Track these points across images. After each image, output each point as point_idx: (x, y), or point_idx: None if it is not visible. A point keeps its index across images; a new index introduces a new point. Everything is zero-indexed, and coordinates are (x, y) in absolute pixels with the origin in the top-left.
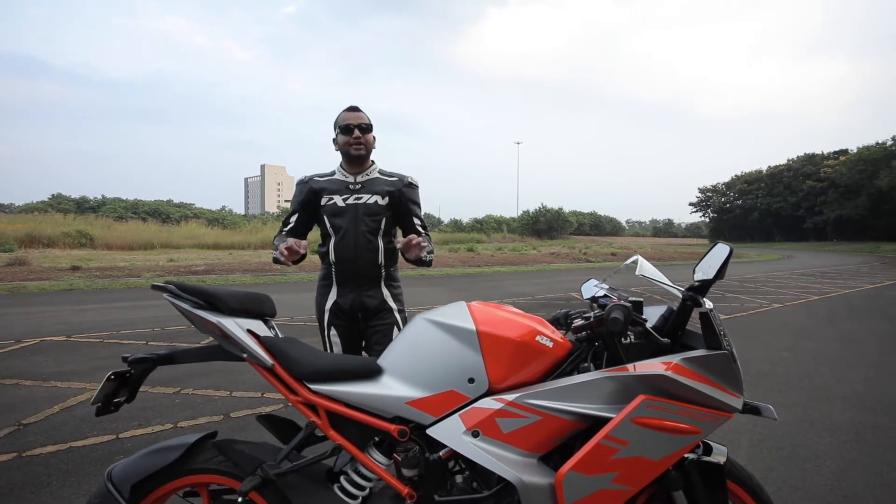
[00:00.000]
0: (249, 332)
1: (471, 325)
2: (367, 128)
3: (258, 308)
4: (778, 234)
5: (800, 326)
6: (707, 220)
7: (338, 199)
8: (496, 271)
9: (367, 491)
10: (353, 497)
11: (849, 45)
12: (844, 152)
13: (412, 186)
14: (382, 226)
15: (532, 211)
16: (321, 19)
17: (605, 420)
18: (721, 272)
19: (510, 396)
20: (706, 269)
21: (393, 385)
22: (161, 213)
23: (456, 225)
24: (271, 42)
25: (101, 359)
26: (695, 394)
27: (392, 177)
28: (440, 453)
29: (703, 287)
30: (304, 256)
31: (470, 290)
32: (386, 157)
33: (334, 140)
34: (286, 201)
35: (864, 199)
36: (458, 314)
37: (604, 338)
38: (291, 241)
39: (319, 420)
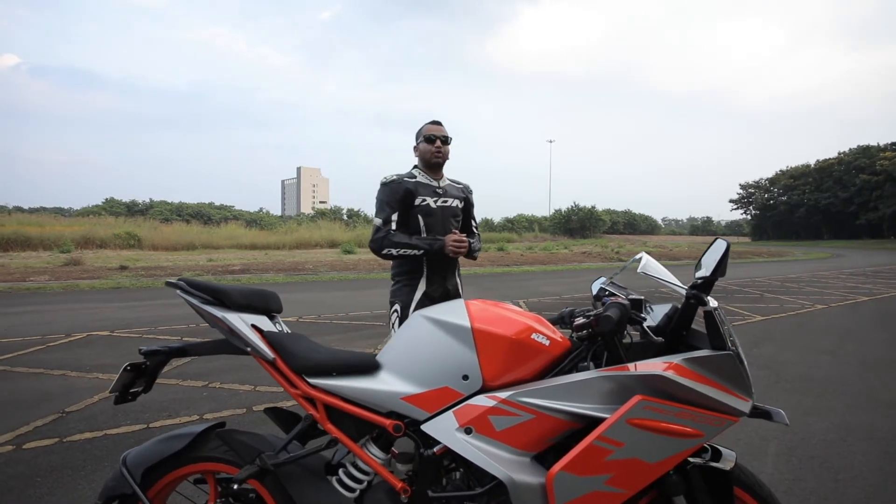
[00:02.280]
0: (253, 326)
1: (466, 322)
2: (446, 140)
3: (264, 304)
4: (827, 231)
5: (845, 328)
6: (749, 217)
7: (430, 201)
8: (525, 271)
9: (365, 484)
10: (351, 490)
11: None
12: None
13: (471, 192)
14: (459, 226)
15: (564, 210)
16: (355, 24)
17: (600, 420)
18: (720, 268)
19: (503, 394)
20: (706, 266)
21: (389, 380)
22: (203, 214)
23: (487, 224)
24: (307, 48)
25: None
26: (696, 395)
27: (458, 184)
28: (434, 449)
29: (707, 285)
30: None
31: (498, 288)
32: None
33: (415, 147)
34: (321, 202)
35: None
36: (455, 311)
37: (603, 336)
38: (457, 234)
39: (317, 413)
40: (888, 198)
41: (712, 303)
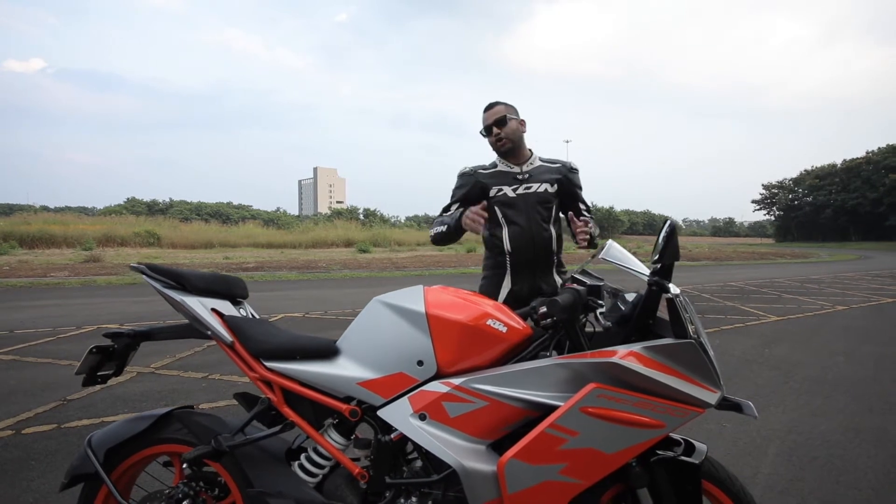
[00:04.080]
0: (213, 310)
1: (420, 308)
2: (502, 120)
3: (226, 289)
4: (855, 233)
5: (864, 330)
6: (772, 218)
7: (508, 190)
8: None
9: (326, 469)
10: (312, 475)
11: None
12: None
13: (574, 171)
14: (553, 213)
15: None
16: (370, 25)
17: (554, 408)
18: (671, 251)
19: (457, 380)
20: (658, 249)
21: (346, 365)
22: (222, 214)
23: None
24: (323, 49)
25: (145, 345)
26: (655, 384)
27: (555, 163)
28: (391, 435)
29: (665, 270)
30: (458, 237)
31: None
32: (431, 157)
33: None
34: (338, 202)
35: None
36: (412, 297)
37: (565, 324)
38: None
39: (275, 397)
40: None
41: (674, 289)
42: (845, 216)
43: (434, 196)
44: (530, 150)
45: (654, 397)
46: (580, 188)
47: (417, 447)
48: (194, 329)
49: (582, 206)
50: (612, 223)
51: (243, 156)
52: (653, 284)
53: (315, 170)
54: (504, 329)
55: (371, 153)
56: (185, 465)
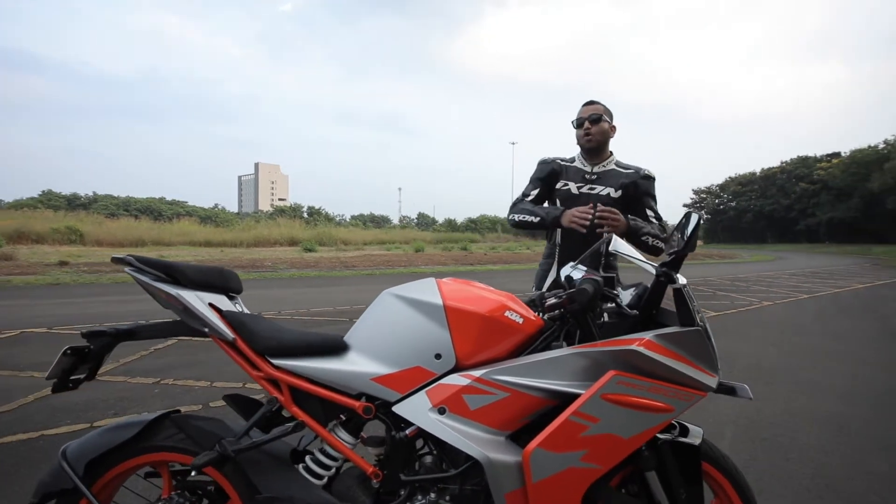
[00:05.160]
0: (211, 305)
1: (438, 300)
2: (597, 118)
3: (222, 282)
4: (770, 235)
5: (788, 323)
6: (701, 222)
7: (572, 186)
8: (489, 269)
9: (333, 470)
10: (319, 477)
11: (842, 50)
12: (837, 155)
13: (649, 178)
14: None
15: None
16: (317, 17)
17: (575, 396)
18: (691, 243)
19: (477, 372)
20: (677, 241)
21: (358, 361)
22: (153, 210)
23: (450, 224)
24: (266, 39)
25: None
26: (667, 370)
27: (628, 169)
28: (406, 431)
29: (676, 262)
30: (550, 227)
31: None
32: (378, 156)
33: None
34: (280, 200)
35: (857, 201)
36: (427, 289)
37: (575, 315)
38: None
39: (282, 396)
40: (824, 205)
41: (681, 280)
42: (763, 220)
43: (381, 195)
44: (611, 152)
45: (666, 382)
46: (651, 196)
47: (434, 442)
48: (186, 326)
49: (650, 213)
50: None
51: (177, 149)
52: (661, 275)
53: (256, 165)
54: (521, 320)
55: (316, 150)
56: (174, 477)
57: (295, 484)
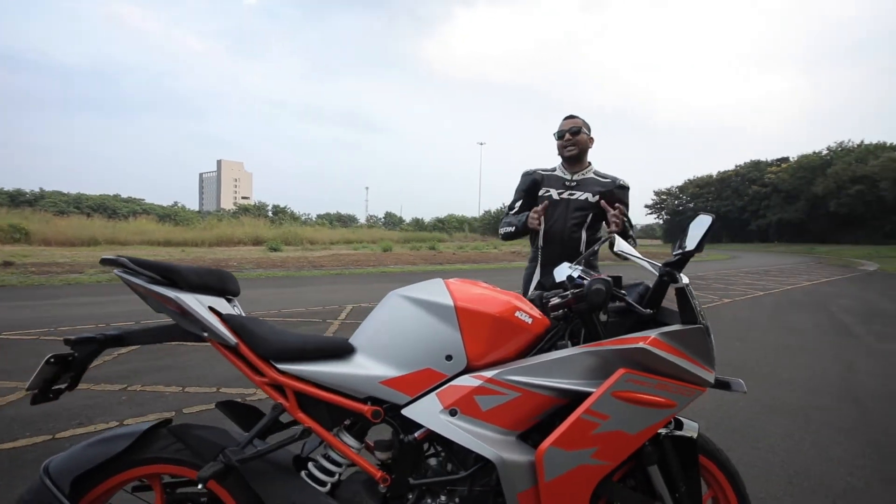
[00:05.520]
0: (211, 308)
1: (448, 301)
2: (577, 131)
3: (220, 284)
4: (726, 235)
5: (748, 319)
6: (661, 222)
7: (553, 193)
8: (457, 269)
9: (337, 477)
10: (322, 483)
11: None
12: (786, 160)
13: (623, 188)
14: (588, 220)
15: (494, 211)
16: (283, 12)
17: (585, 395)
18: (701, 244)
19: (489, 373)
20: (687, 241)
21: (366, 364)
22: (107, 208)
23: (418, 224)
24: (230, 34)
25: (36, 356)
26: (671, 367)
27: (606, 178)
28: (415, 434)
29: (681, 262)
30: (526, 234)
31: None
32: (346, 154)
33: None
34: (244, 198)
35: (803, 203)
36: (435, 290)
37: (581, 314)
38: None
39: (287, 402)
40: (774, 207)
41: (684, 279)
42: (719, 221)
43: (348, 194)
44: (590, 162)
45: (671, 379)
46: (625, 204)
47: (442, 444)
48: (181, 331)
49: (624, 219)
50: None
51: (135, 144)
52: (664, 275)
53: (219, 163)
54: (529, 320)
55: (281, 147)
56: (166, 490)
57: (300, 492)
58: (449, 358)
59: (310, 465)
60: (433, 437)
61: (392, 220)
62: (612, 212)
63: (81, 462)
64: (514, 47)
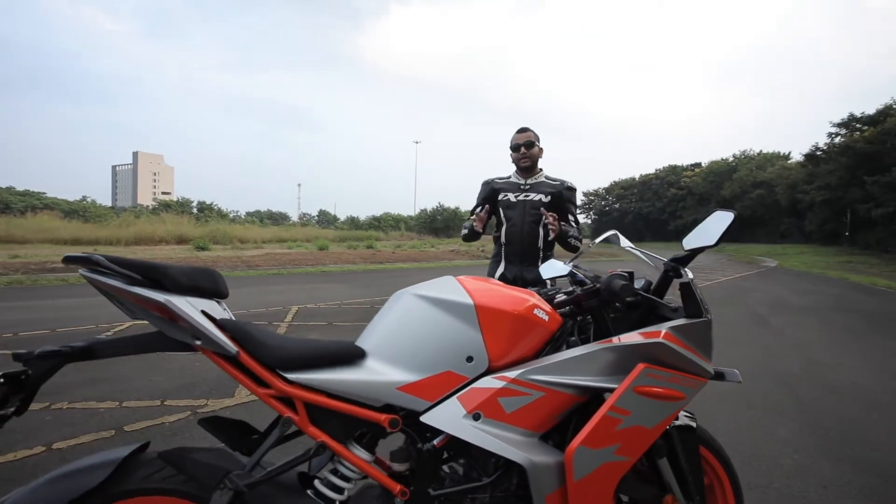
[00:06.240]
0: (204, 313)
1: (468, 300)
2: (531, 144)
3: (212, 286)
4: (647, 235)
5: None
6: (589, 221)
7: (511, 196)
8: (399, 268)
9: (346, 494)
10: (331, 502)
11: (709, 73)
12: (699, 165)
13: (571, 190)
14: (543, 218)
15: (430, 209)
16: None
17: (605, 391)
18: (719, 240)
19: (512, 374)
20: (705, 236)
21: (381, 369)
22: None
23: (353, 222)
24: (146, 16)
25: None
26: (682, 361)
27: (555, 181)
28: (434, 442)
29: (688, 258)
30: (478, 235)
31: (375, 285)
32: (277, 150)
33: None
34: (164, 193)
35: (714, 205)
36: (452, 288)
37: (593, 310)
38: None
39: (296, 416)
40: (689, 208)
41: (689, 274)
42: (641, 221)
43: (279, 191)
44: (541, 169)
45: (682, 372)
46: (572, 203)
47: (461, 451)
48: (165, 340)
49: (571, 217)
50: (458, 223)
51: (33, 131)
52: (670, 270)
53: (135, 155)
54: (546, 318)
55: (205, 141)
56: None
57: None
58: (470, 359)
59: (316, 482)
60: (450, 445)
61: (326, 219)
62: (548, 221)
63: (48, 499)
64: (446, 47)
